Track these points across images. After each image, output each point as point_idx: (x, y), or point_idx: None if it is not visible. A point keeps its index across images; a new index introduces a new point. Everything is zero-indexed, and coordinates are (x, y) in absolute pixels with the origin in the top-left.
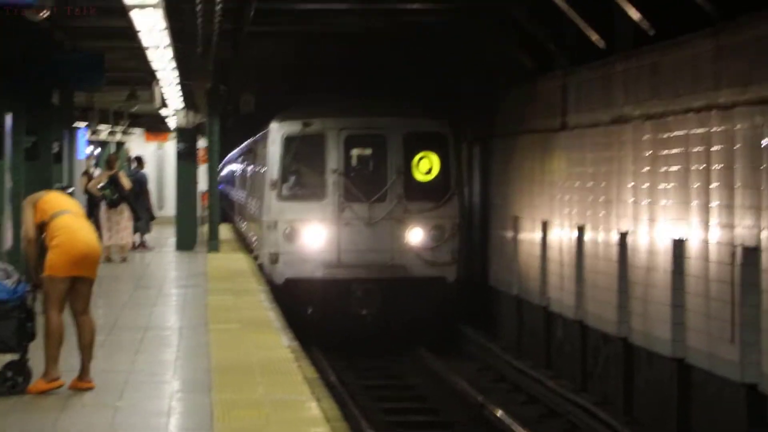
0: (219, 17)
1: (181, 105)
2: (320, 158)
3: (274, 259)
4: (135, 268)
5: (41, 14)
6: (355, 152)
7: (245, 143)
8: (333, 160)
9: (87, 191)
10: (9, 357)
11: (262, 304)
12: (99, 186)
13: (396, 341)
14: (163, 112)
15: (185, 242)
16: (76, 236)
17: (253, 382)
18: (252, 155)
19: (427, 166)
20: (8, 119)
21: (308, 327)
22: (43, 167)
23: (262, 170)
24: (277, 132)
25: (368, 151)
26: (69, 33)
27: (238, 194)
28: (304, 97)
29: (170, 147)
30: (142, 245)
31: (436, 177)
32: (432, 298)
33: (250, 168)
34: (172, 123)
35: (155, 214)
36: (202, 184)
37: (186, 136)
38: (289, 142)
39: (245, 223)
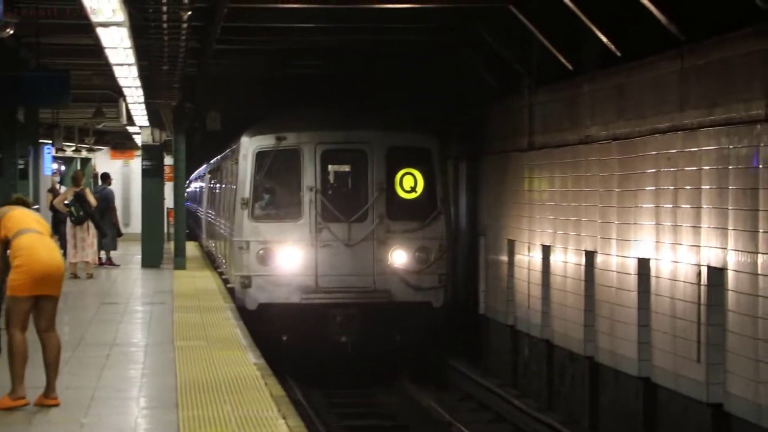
0: (185, 35)
1: (147, 122)
2: (295, 175)
3: (246, 283)
4: (101, 284)
5: (6, 31)
6: (333, 168)
7: (213, 160)
8: (309, 176)
9: (52, 208)
10: None
11: (228, 321)
12: (65, 202)
13: (378, 371)
14: (129, 129)
15: (151, 259)
16: (38, 256)
17: (219, 399)
18: (220, 172)
19: (411, 183)
20: None
21: (283, 356)
22: (8, 184)
23: (232, 188)
24: (248, 146)
25: (347, 168)
26: (34, 51)
27: (205, 212)
28: (277, 109)
29: (136, 164)
30: (108, 262)
31: (421, 195)
32: (417, 325)
33: (218, 185)
34: (138, 140)
35: (122, 231)
36: (169, 201)
37: (152, 153)
38: (261, 157)
39: (213, 241)
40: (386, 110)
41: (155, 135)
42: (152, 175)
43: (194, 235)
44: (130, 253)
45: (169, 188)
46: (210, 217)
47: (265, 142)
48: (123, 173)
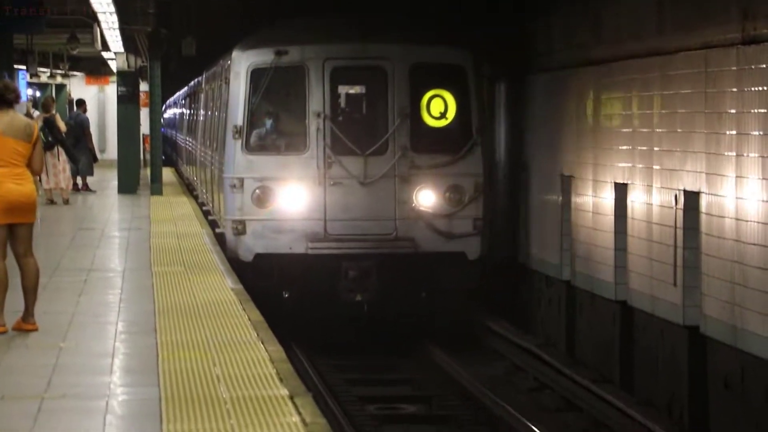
0: None
1: (122, 48)
2: (299, 98)
3: (240, 229)
4: (77, 210)
5: None
6: (345, 90)
7: (192, 82)
8: (316, 100)
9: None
10: None
11: (205, 246)
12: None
13: (399, 335)
14: (104, 55)
15: (127, 185)
16: (7, 187)
17: (197, 323)
18: (203, 95)
19: (440, 107)
20: None
21: (284, 315)
22: None
23: (221, 114)
24: (241, 63)
25: (363, 89)
26: None
27: (183, 138)
28: (277, 19)
29: (111, 90)
30: (85, 187)
31: (453, 122)
32: (448, 281)
33: (201, 110)
34: (113, 66)
35: (97, 157)
36: (145, 127)
37: (127, 79)
38: (257, 76)
39: (196, 173)
40: (409, 18)
41: (130, 61)
42: (128, 102)
43: (171, 161)
44: (107, 179)
45: (144, 114)
46: (189, 145)
47: (261, 57)
48: (98, 99)
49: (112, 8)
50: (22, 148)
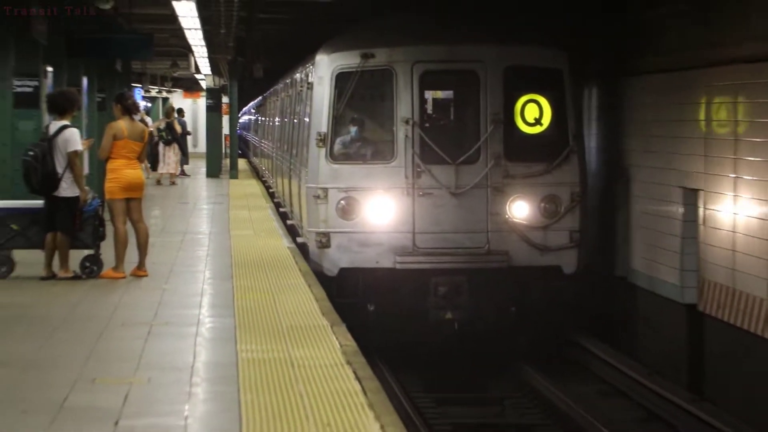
0: (237, 7)
1: (210, 71)
2: (387, 103)
3: (324, 242)
4: (178, 189)
5: (108, 4)
6: (434, 95)
7: (260, 97)
8: (405, 104)
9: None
10: (86, 252)
11: (269, 217)
12: (158, 128)
13: (487, 351)
14: (196, 76)
15: (213, 171)
16: (125, 171)
17: (262, 272)
18: (279, 102)
19: (535, 113)
20: (85, 81)
21: (368, 330)
22: (109, 116)
23: (303, 120)
24: (326, 66)
25: (453, 93)
26: (127, 18)
27: (253, 137)
28: (363, 20)
29: (202, 102)
30: (182, 173)
31: (548, 129)
32: (541, 296)
33: (272, 117)
34: (203, 84)
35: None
36: (225, 129)
37: (213, 94)
38: (342, 80)
39: (264, 163)
40: (503, 17)
41: (215, 81)
42: (213, 111)
43: (244, 154)
44: (197, 167)
45: (225, 120)
46: (257, 143)
47: (347, 60)
48: (192, 109)
49: (203, 42)
50: (137, 146)
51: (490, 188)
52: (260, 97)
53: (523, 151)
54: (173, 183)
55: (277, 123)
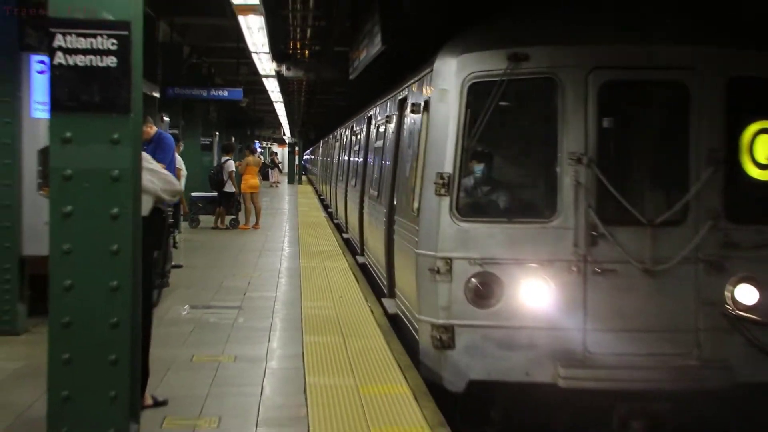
0: (304, 106)
1: (289, 133)
2: (546, 129)
3: (445, 340)
4: (276, 191)
5: (244, 103)
6: (618, 118)
7: (351, 120)
8: (575, 133)
9: (263, 165)
10: (230, 217)
11: (323, 216)
12: (265, 162)
13: None
14: (284, 137)
15: (290, 180)
16: (249, 181)
17: (320, 258)
18: (357, 135)
19: None
20: (233, 139)
21: None
22: (243, 156)
23: (406, 153)
24: (452, 75)
25: (647, 116)
26: (252, 109)
27: (311, 167)
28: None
29: (285, 149)
30: (276, 183)
31: None
32: None
33: (347, 152)
34: (286, 139)
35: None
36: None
37: (291, 146)
38: (478, 94)
39: (312, 177)
40: (718, 6)
41: (291, 139)
42: (291, 152)
43: (306, 174)
44: (282, 179)
45: (295, 157)
46: (317, 171)
47: (486, 64)
48: (281, 152)
49: (286, 119)
50: (256, 168)
51: (703, 263)
52: (312, 147)
53: (754, 208)
54: (274, 185)
55: (363, 158)
